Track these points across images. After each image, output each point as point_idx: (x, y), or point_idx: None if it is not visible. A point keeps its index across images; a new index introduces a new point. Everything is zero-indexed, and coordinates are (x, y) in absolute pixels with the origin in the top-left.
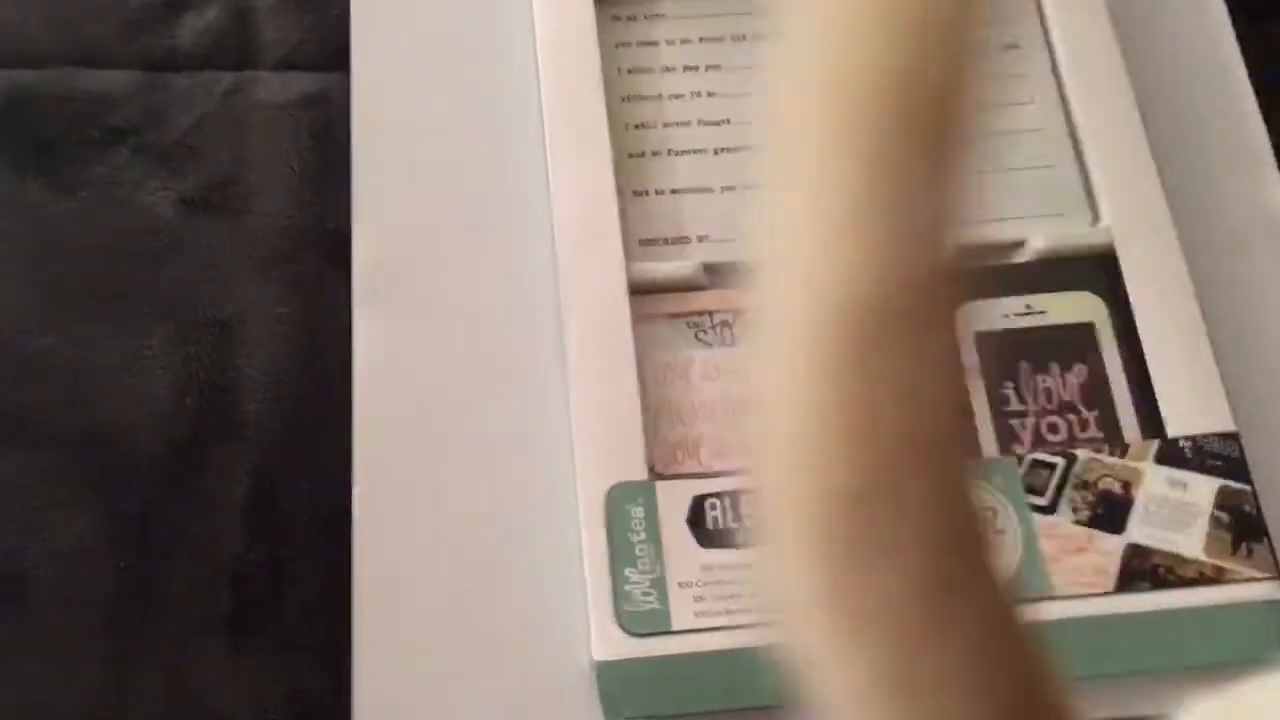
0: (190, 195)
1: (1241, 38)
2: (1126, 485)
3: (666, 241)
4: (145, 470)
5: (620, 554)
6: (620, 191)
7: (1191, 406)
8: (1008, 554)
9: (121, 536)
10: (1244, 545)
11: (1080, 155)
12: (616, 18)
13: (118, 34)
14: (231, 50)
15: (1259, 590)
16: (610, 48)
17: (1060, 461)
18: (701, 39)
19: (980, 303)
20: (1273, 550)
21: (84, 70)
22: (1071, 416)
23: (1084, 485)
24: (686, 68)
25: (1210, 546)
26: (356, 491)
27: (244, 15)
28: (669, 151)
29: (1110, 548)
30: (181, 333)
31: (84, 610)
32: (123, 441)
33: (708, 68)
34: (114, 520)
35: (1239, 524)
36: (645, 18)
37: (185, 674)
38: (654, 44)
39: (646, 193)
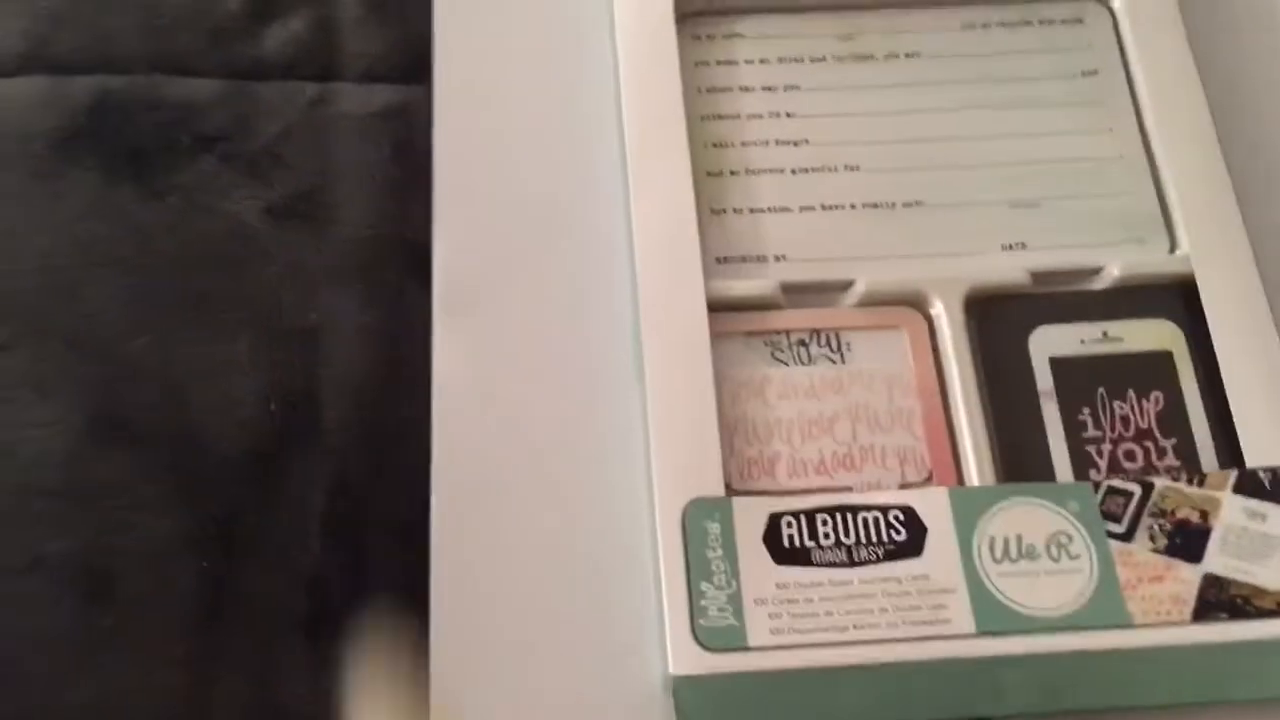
0: (275, 204)
1: None
2: (1204, 514)
3: (744, 260)
4: (229, 475)
5: (697, 569)
6: (699, 209)
7: (1271, 436)
8: (1082, 580)
9: (204, 539)
10: None
11: (1158, 182)
12: (696, 37)
13: (204, 43)
14: (315, 61)
15: None
16: (690, 66)
17: (1137, 489)
18: (780, 59)
19: (1057, 328)
20: None
21: (172, 78)
22: (1149, 444)
23: (1161, 513)
24: (765, 88)
25: None
26: (434, 501)
27: (328, 26)
28: (746, 171)
29: (1188, 577)
30: (266, 340)
31: (166, 610)
32: (208, 445)
33: (786, 88)
34: (198, 523)
35: None
36: (725, 37)
37: (264, 677)
38: (733, 63)
39: (724, 211)
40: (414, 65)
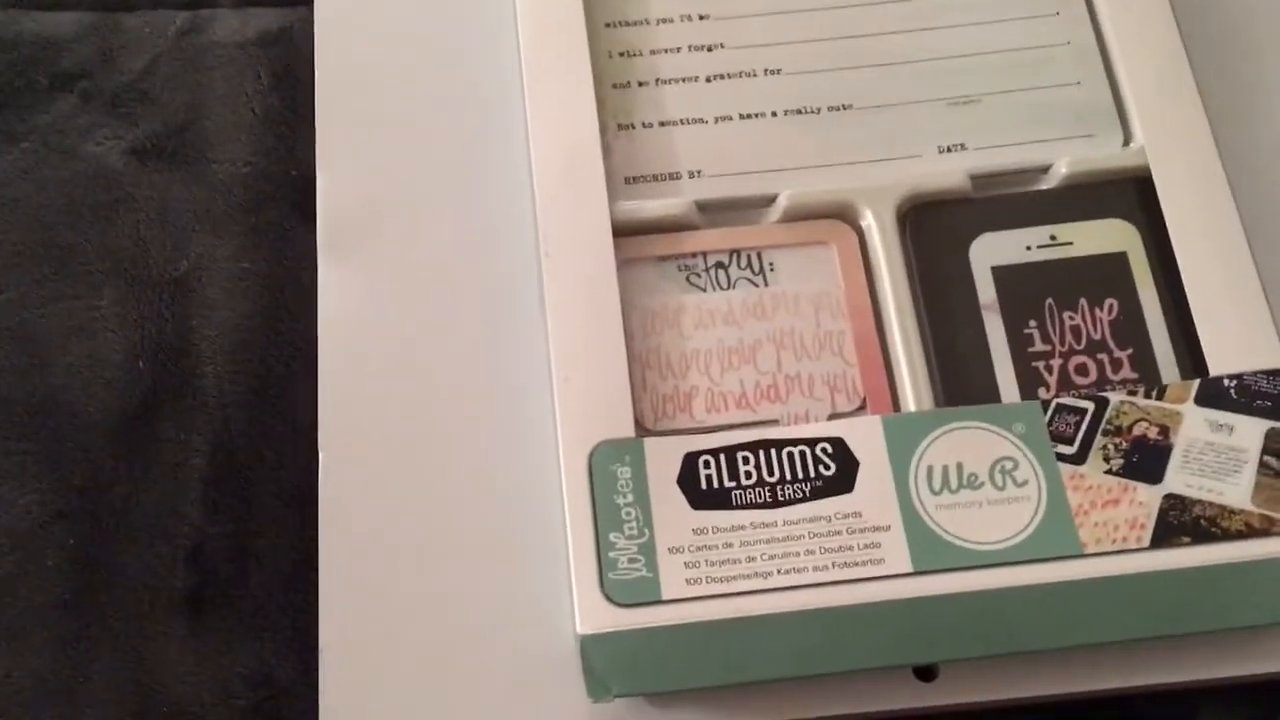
0: (142, 144)
1: None
2: (1164, 430)
3: (655, 178)
4: (97, 440)
5: (605, 518)
6: (604, 125)
7: (1236, 341)
8: (1029, 509)
9: (72, 511)
10: None
11: (1111, 70)
12: None
13: None
14: None
15: None
16: None
17: (1089, 406)
18: None
19: (1001, 234)
20: None
21: (29, 12)
22: (1103, 356)
23: (1116, 431)
24: None
25: (1259, 495)
26: (322, 458)
27: None
28: (657, 81)
29: (1146, 499)
30: (134, 292)
31: (34, 589)
32: (72, 409)
33: None
34: (64, 493)
35: None
36: None
37: (142, 656)
38: None
39: (633, 126)
40: None
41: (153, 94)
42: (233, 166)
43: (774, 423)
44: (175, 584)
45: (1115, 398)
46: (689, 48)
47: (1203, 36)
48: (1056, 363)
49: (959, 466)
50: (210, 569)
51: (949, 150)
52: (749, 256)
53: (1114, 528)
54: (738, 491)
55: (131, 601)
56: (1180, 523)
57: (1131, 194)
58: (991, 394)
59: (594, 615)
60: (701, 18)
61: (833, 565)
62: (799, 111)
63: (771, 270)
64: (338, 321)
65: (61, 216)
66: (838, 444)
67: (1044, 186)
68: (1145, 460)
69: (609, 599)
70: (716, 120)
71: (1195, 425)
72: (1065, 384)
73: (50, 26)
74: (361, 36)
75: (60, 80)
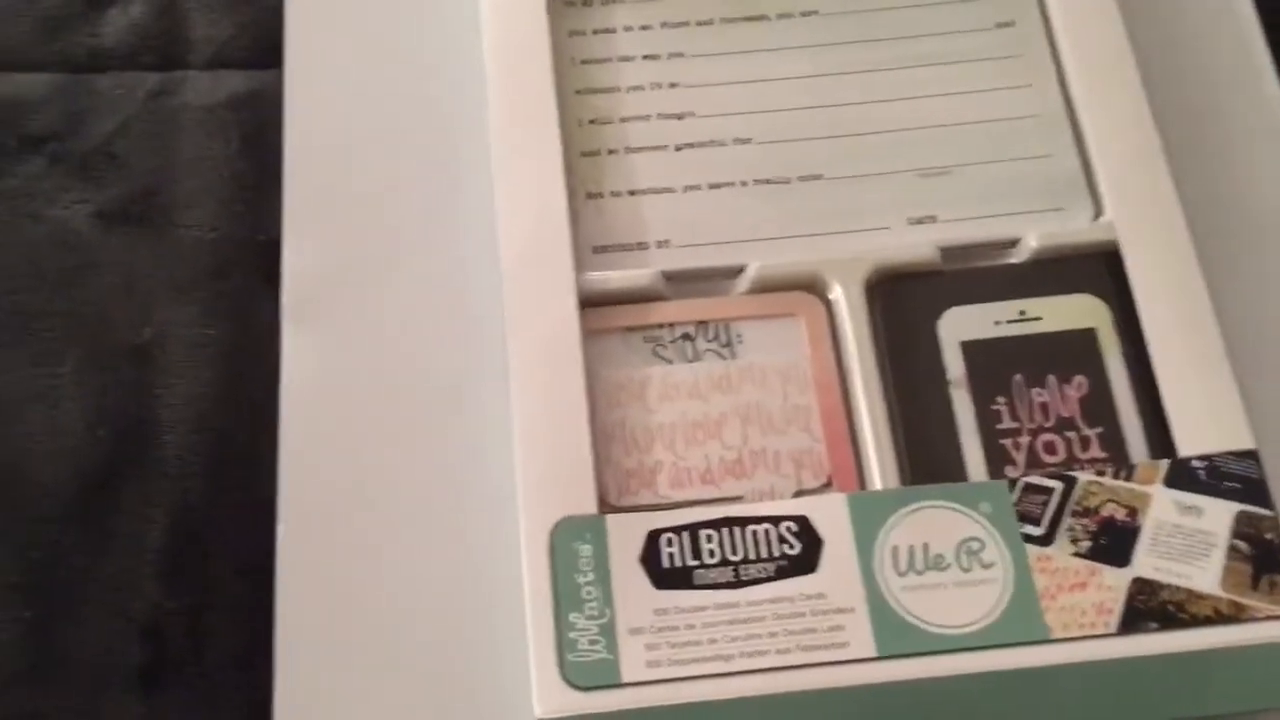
0: (109, 207)
1: (1261, 10)
2: (1132, 511)
3: (623, 248)
4: (53, 510)
5: (565, 597)
6: (572, 194)
7: (1205, 422)
8: (996, 591)
9: (27, 583)
10: (1265, 578)
11: (1081, 143)
12: (570, 3)
13: (36, 34)
14: (158, 48)
15: None
16: (564, 37)
17: (1057, 485)
18: (663, 24)
19: (969, 308)
20: None
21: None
22: (1071, 434)
23: (1084, 512)
24: (646, 56)
25: (1227, 580)
26: (280, 531)
27: (172, 10)
28: (626, 149)
29: (1113, 583)
30: (95, 359)
31: None
32: (30, 478)
33: (670, 55)
34: (19, 565)
35: (1260, 554)
36: (602, 3)
37: None
38: (611, 31)
39: (601, 195)
40: (266, 48)
41: (121, 156)
42: (199, 231)
43: (738, 499)
44: (130, 659)
45: (1084, 477)
46: (658, 116)
47: (1173, 110)
48: (1024, 440)
49: (925, 547)
50: (166, 644)
51: (919, 222)
52: (716, 328)
53: (1081, 612)
54: (700, 571)
55: (85, 677)
56: (1148, 608)
57: (1101, 269)
58: (958, 471)
59: (551, 698)
60: (672, 86)
61: (796, 648)
62: (768, 181)
63: (739, 342)
64: (300, 389)
65: (25, 281)
66: (802, 522)
67: (1013, 260)
68: (1113, 542)
69: (567, 681)
70: (685, 189)
71: (1164, 507)
72: (1033, 462)
73: (20, 88)
74: (331, 100)
75: (29, 142)
